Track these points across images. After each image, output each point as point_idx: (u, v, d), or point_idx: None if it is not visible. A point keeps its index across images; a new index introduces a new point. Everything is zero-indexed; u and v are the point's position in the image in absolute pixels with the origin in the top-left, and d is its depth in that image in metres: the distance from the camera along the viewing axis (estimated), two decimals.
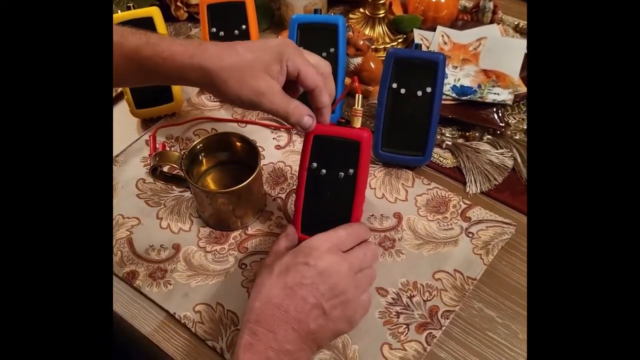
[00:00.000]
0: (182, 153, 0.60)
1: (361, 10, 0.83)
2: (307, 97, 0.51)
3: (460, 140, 0.69)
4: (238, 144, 0.63)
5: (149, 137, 0.71)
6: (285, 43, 0.49)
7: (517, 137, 0.69)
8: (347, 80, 0.72)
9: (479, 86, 0.72)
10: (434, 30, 0.79)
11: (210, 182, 0.65)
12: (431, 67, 0.62)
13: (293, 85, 0.50)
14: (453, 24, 0.81)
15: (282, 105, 0.48)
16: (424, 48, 0.71)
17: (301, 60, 0.49)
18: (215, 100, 0.76)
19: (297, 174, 0.59)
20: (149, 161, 0.69)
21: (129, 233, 0.62)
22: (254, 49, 0.48)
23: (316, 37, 0.68)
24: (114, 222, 0.63)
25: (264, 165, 0.68)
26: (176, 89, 0.72)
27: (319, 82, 0.50)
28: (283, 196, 0.65)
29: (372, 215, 0.62)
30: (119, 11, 0.68)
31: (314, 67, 0.50)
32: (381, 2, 0.79)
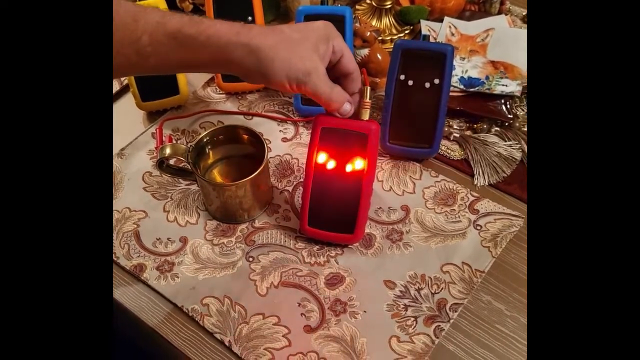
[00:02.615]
0: (188, 146, 0.59)
1: (368, 1, 0.83)
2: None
3: (468, 132, 0.69)
4: (245, 136, 0.62)
5: (155, 130, 0.71)
6: (330, 25, 0.49)
7: (525, 129, 0.68)
8: None
9: (487, 78, 0.71)
10: (441, 21, 0.78)
11: (217, 175, 0.64)
12: (439, 59, 0.62)
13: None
14: (460, 15, 0.80)
15: (325, 89, 0.48)
16: (431, 39, 0.70)
17: (344, 44, 0.50)
18: (220, 92, 0.76)
19: (304, 167, 0.59)
20: (155, 154, 0.69)
21: (135, 226, 0.62)
22: (300, 29, 0.48)
23: None
24: (120, 215, 0.63)
25: (270, 157, 0.68)
26: (182, 82, 0.72)
27: (356, 66, 0.51)
28: (290, 189, 0.65)
29: (380, 207, 0.62)
30: None
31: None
32: None
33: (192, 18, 0.46)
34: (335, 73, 0.52)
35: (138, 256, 0.59)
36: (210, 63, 0.48)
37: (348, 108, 0.51)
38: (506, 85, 0.70)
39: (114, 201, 0.64)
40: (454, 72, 0.70)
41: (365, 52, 0.71)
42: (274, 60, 0.45)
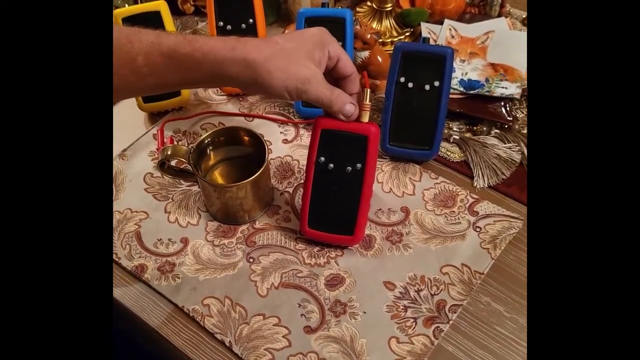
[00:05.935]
0: (189, 147, 0.60)
1: (368, 3, 0.83)
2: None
3: (468, 135, 0.69)
4: (245, 138, 0.63)
5: (157, 131, 0.71)
6: (324, 31, 0.50)
7: (524, 131, 0.69)
8: None
9: (487, 80, 0.72)
10: (442, 23, 0.78)
11: (218, 176, 0.65)
12: (439, 61, 0.62)
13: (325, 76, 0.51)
14: (460, 18, 0.81)
15: (326, 93, 0.49)
16: (431, 42, 0.70)
17: (340, 48, 0.50)
18: (221, 94, 0.76)
19: (304, 168, 0.59)
20: (156, 155, 0.69)
21: (137, 227, 0.62)
22: (295, 38, 0.49)
23: None
24: (122, 215, 0.63)
25: (271, 159, 0.68)
26: None
27: (354, 68, 0.51)
28: (290, 190, 0.65)
29: (380, 209, 0.62)
30: (126, 5, 0.68)
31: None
32: None
33: (186, 37, 0.47)
34: (334, 76, 0.52)
35: (139, 257, 0.59)
36: (209, 79, 0.48)
37: (351, 109, 0.52)
38: (506, 88, 0.70)
39: (115, 202, 0.64)
40: (454, 75, 0.71)
41: (365, 54, 0.71)
42: (271, 73, 0.46)
